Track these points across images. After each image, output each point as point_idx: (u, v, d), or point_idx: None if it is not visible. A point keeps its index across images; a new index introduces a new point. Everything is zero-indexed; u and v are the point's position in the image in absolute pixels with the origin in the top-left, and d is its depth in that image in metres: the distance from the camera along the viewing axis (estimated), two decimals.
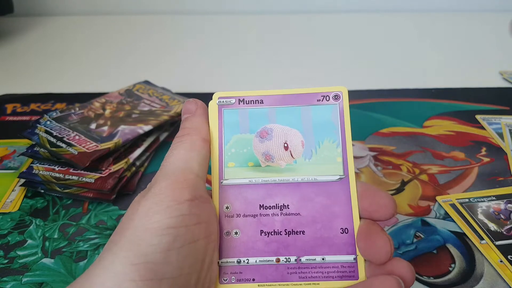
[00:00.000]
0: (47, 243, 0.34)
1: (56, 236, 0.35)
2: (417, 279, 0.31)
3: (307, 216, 0.25)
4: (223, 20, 0.79)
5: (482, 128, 0.46)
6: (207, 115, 0.27)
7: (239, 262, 0.25)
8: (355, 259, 0.24)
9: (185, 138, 0.25)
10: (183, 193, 0.22)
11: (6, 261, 0.33)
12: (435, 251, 0.33)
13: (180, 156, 0.24)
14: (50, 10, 0.83)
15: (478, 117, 0.48)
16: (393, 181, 0.39)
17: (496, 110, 0.50)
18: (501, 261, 0.31)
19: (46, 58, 0.65)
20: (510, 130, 0.45)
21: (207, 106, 0.27)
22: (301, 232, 0.25)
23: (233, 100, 0.27)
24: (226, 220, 0.25)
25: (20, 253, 0.33)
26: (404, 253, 0.32)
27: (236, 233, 0.25)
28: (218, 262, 0.25)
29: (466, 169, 0.41)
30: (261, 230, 0.25)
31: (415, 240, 0.34)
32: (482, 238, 0.33)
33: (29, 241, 0.34)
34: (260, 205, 0.25)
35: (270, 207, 0.25)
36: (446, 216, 0.35)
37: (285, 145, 0.26)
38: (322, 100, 0.26)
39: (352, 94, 0.53)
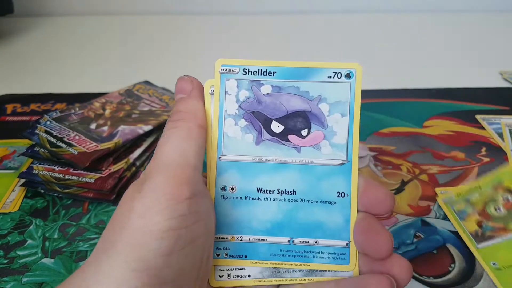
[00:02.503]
0: (47, 243, 0.34)
1: (56, 236, 0.35)
2: (417, 279, 0.31)
3: (304, 199, 0.25)
4: (223, 20, 0.79)
5: (482, 128, 0.46)
6: (203, 97, 0.25)
7: (232, 238, 0.25)
8: (348, 244, 0.24)
9: (180, 124, 0.23)
10: (182, 190, 0.21)
11: (6, 261, 0.33)
12: (435, 251, 0.33)
13: (175, 146, 0.22)
14: (50, 10, 0.83)
15: (478, 117, 0.48)
16: (393, 181, 0.39)
17: (496, 110, 0.50)
18: (493, 264, 0.31)
19: (46, 58, 0.65)
20: (510, 130, 0.45)
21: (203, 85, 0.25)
22: (296, 214, 0.25)
23: (237, 69, 0.25)
24: (222, 198, 0.25)
25: (20, 253, 0.33)
26: (404, 253, 0.32)
27: (231, 210, 0.25)
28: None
29: (466, 169, 0.41)
30: (257, 210, 0.25)
31: (415, 240, 0.34)
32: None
33: (29, 241, 0.34)
34: (258, 187, 0.25)
35: (268, 189, 0.25)
36: (446, 216, 0.35)
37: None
38: (333, 77, 0.25)
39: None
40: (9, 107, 0.52)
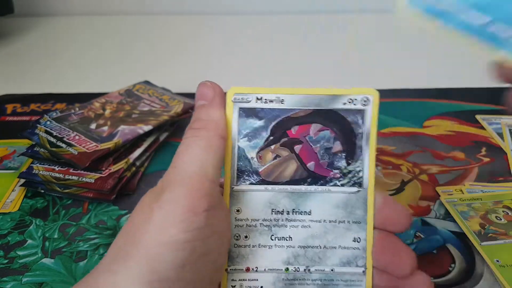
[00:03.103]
0: (47, 243, 0.34)
1: (56, 236, 0.35)
2: None
3: (319, 227, 0.24)
4: (223, 20, 0.79)
5: (482, 128, 0.46)
6: (225, 105, 0.24)
7: (247, 269, 0.24)
8: (364, 272, 0.24)
9: (201, 133, 0.23)
10: (200, 203, 0.20)
11: (6, 261, 0.33)
12: (435, 251, 0.33)
13: (195, 157, 0.22)
14: (50, 10, 0.83)
15: (478, 117, 0.48)
16: (393, 181, 0.39)
17: (496, 110, 0.50)
18: (497, 261, 0.31)
19: (46, 58, 0.65)
20: (510, 130, 0.45)
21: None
22: (312, 243, 0.24)
23: (250, 98, 0.24)
24: (236, 224, 0.24)
25: (20, 253, 0.33)
26: None
27: (246, 237, 0.24)
28: (227, 269, 0.24)
29: (466, 169, 0.41)
30: (271, 238, 0.24)
31: (415, 240, 0.34)
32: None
33: (29, 241, 0.34)
34: (272, 212, 0.24)
35: (282, 216, 0.24)
36: (446, 216, 0.35)
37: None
38: (349, 104, 0.24)
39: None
40: (9, 107, 0.52)
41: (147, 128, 0.42)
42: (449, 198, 0.36)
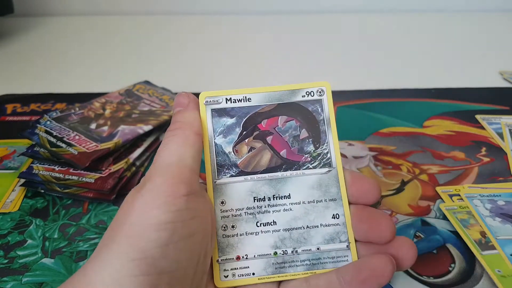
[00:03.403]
0: (47, 243, 0.34)
1: (56, 236, 0.35)
2: (417, 279, 0.31)
3: (300, 208, 0.26)
4: (223, 20, 0.79)
5: (482, 128, 0.46)
6: (199, 109, 0.27)
7: (238, 258, 0.25)
8: (348, 246, 0.26)
9: (177, 132, 0.25)
10: (179, 188, 0.22)
11: (6, 261, 0.33)
12: (435, 251, 0.33)
13: (173, 151, 0.24)
14: (50, 10, 0.83)
15: (478, 117, 0.48)
16: (393, 181, 0.39)
17: (496, 110, 0.50)
18: (498, 271, 0.31)
19: (46, 58, 0.65)
20: (510, 130, 0.45)
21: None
22: (295, 224, 0.26)
23: (221, 99, 0.27)
24: (222, 215, 0.26)
25: (20, 253, 0.33)
26: None
27: (233, 226, 0.26)
28: (218, 260, 0.25)
29: (466, 169, 0.41)
30: (257, 225, 0.26)
31: (415, 240, 0.34)
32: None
33: (29, 241, 0.34)
34: (255, 200, 0.26)
35: (264, 203, 0.26)
36: (447, 217, 0.35)
37: None
38: (307, 96, 0.27)
39: (353, 94, 0.53)
40: (9, 107, 0.52)
41: (147, 128, 0.42)
42: (449, 206, 0.36)
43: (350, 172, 0.27)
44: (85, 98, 0.49)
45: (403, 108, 0.50)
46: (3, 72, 0.61)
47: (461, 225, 0.34)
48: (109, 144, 0.39)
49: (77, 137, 0.40)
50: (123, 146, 0.40)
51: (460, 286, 0.30)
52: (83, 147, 0.38)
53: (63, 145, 0.39)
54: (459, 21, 0.77)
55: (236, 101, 0.27)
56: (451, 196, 0.37)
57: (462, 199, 0.37)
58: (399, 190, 0.38)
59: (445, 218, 0.35)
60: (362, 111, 0.50)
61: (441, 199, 0.37)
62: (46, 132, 0.40)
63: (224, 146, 0.27)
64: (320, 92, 0.27)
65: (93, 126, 0.42)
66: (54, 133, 0.40)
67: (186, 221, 0.22)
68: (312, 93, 0.27)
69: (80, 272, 0.20)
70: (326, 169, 0.27)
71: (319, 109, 0.27)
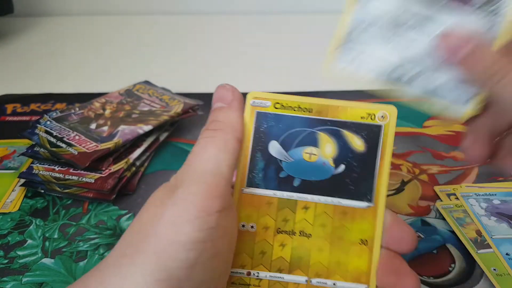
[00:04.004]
0: (47, 243, 0.34)
1: (56, 236, 0.35)
2: None
3: (326, 239, 0.24)
4: (223, 20, 0.79)
5: None
6: (243, 109, 0.24)
7: (249, 274, 0.24)
8: (369, 285, 0.23)
9: (218, 134, 0.22)
10: (214, 203, 0.20)
11: (6, 261, 0.33)
12: (435, 251, 0.33)
13: (211, 156, 0.22)
14: (50, 10, 0.83)
15: None
16: (393, 181, 0.39)
17: None
18: (494, 270, 0.31)
19: (46, 58, 0.65)
20: None
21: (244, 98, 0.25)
22: (316, 254, 0.24)
23: (269, 103, 0.24)
24: (241, 229, 0.24)
25: (20, 253, 0.33)
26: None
27: (250, 241, 0.24)
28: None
29: (466, 169, 0.41)
30: (276, 246, 0.24)
31: None
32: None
33: (29, 241, 0.34)
34: (278, 221, 0.24)
35: (289, 224, 0.24)
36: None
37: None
38: (366, 118, 0.25)
39: (353, 95, 0.53)
40: (9, 107, 0.52)
41: (147, 128, 0.42)
42: (445, 205, 0.36)
43: (390, 214, 0.24)
44: (85, 98, 0.49)
45: (403, 108, 0.50)
46: (3, 72, 0.61)
47: (457, 224, 0.34)
48: (109, 144, 0.39)
49: (77, 137, 0.40)
50: (123, 146, 0.40)
51: (460, 286, 0.30)
52: (83, 147, 0.38)
53: (63, 145, 0.39)
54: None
55: (288, 108, 0.24)
56: (449, 195, 0.37)
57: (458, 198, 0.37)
58: (399, 190, 0.38)
59: (445, 218, 0.35)
60: None
61: (441, 199, 0.37)
62: (46, 132, 0.40)
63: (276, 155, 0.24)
64: (382, 117, 0.25)
65: (93, 126, 0.42)
66: (54, 133, 0.40)
67: (215, 240, 0.20)
68: (373, 116, 0.25)
69: (95, 276, 0.19)
70: (366, 204, 0.24)
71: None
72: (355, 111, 0.24)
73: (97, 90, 0.54)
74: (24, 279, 0.31)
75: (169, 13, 0.83)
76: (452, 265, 0.32)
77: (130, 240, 0.20)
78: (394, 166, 0.41)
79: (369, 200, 0.24)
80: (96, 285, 0.19)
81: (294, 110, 0.24)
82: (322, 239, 0.24)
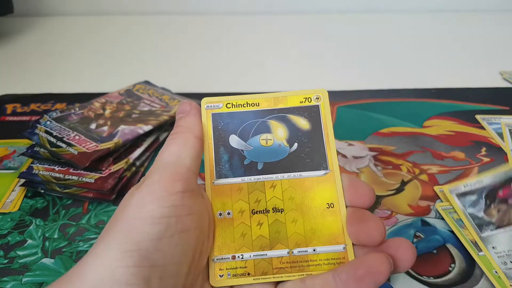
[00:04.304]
0: (47, 243, 0.34)
1: (56, 236, 0.35)
2: (417, 279, 0.31)
3: (297, 210, 0.26)
4: (223, 20, 0.79)
5: (482, 128, 0.46)
6: (200, 115, 0.28)
7: (234, 257, 0.26)
8: (345, 248, 0.25)
9: (178, 135, 0.26)
10: (175, 185, 0.23)
11: (6, 261, 0.33)
12: (435, 251, 0.33)
13: (172, 152, 0.25)
14: (50, 10, 0.83)
15: (478, 117, 0.48)
16: (393, 181, 0.39)
17: (496, 110, 0.50)
18: (495, 272, 0.31)
19: (46, 58, 0.65)
20: (510, 130, 0.45)
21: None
22: (291, 226, 0.26)
23: (221, 105, 0.28)
24: (219, 217, 0.26)
25: (20, 253, 0.33)
26: None
27: (229, 227, 0.26)
28: (213, 259, 0.25)
29: (466, 169, 0.41)
30: (253, 226, 0.26)
31: (415, 240, 0.34)
32: (480, 250, 0.32)
33: (29, 241, 0.34)
34: (251, 203, 0.26)
35: (261, 204, 0.26)
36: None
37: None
38: (304, 102, 0.28)
39: (352, 94, 0.53)
40: (9, 107, 0.52)
41: (147, 128, 0.42)
42: (445, 206, 0.36)
43: (347, 176, 0.27)
44: (85, 98, 0.49)
45: (403, 108, 0.50)
46: (3, 72, 0.61)
47: (457, 225, 0.34)
48: (109, 144, 0.39)
49: (77, 137, 0.40)
50: (123, 146, 0.40)
51: (460, 286, 0.30)
52: (83, 147, 0.38)
53: (63, 145, 0.39)
54: (459, 21, 0.77)
55: (238, 106, 0.28)
56: None
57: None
58: (399, 190, 0.38)
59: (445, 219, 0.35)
60: (362, 111, 0.50)
61: (441, 199, 0.37)
62: (46, 132, 0.40)
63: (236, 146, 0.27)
64: (317, 98, 0.28)
65: (93, 126, 0.42)
66: (54, 133, 0.40)
67: (180, 216, 0.22)
68: (309, 99, 0.28)
69: (77, 264, 0.21)
70: (323, 172, 0.27)
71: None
72: (294, 98, 0.28)
73: (97, 90, 0.54)
74: (24, 279, 0.31)
75: (169, 13, 0.83)
76: (452, 265, 0.32)
77: (104, 230, 0.22)
78: (394, 166, 0.41)
79: (325, 168, 0.27)
80: (75, 269, 0.21)
81: (244, 107, 0.28)
82: (293, 211, 0.26)
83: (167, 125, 0.46)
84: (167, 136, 0.45)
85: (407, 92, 0.53)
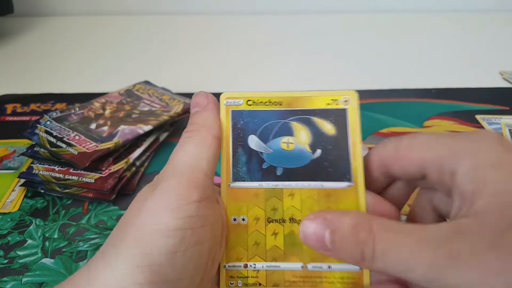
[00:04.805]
0: (47, 243, 0.34)
1: (56, 236, 0.35)
2: None
3: None
4: (223, 20, 0.79)
5: (482, 128, 0.46)
6: (218, 111, 0.26)
7: (246, 266, 0.24)
8: (361, 268, 0.24)
9: (195, 134, 0.24)
10: (192, 193, 0.21)
11: (6, 261, 0.33)
12: None
13: (189, 153, 0.23)
14: (50, 10, 0.83)
15: (478, 117, 0.48)
16: None
17: (496, 110, 0.50)
18: None
19: (46, 58, 0.65)
20: (510, 130, 0.45)
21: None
22: None
23: (241, 102, 0.26)
24: (233, 222, 0.25)
25: (20, 253, 0.33)
26: None
27: (243, 234, 0.25)
28: (225, 266, 0.24)
29: None
30: (268, 236, 0.25)
31: None
32: None
33: (29, 241, 0.34)
34: (267, 211, 0.25)
35: (278, 213, 0.25)
36: None
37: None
38: (331, 104, 0.26)
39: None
40: (9, 107, 0.52)
41: (147, 128, 0.42)
42: None
43: (372, 195, 0.25)
44: (85, 98, 0.49)
45: (403, 108, 0.50)
46: (3, 72, 0.61)
47: None
48: (109, 144, 0.39)
49: (77, 137, 0.40)
50: (123, 146, 0.40)
51: None
52: (83, 147, 0.38)
53: (63, 145, 0.39)
54: (459, 21, 0.77)
55: (260, 103, 0.26)
56: None
57: None
58: None
59: None
60: (362, 111, 0.49)
61: None
62: (46, 132, 0.40)
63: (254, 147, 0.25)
64: (345, 101, 0.26)
65: (93, 126, 0.42)
66: (54, 133, 0.40)
67: (195, 228, 0.21)
68: (337, 101, 0.26)
69: (85, 269, 0.20)
70: (346, 184, 0.24)
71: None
72: (321, 99, 0.26)
73: (97, 90, 0.54)
74: (24, 279, 0.31)
75: (169, 13, 0.83)
76: None
77: (115, 233, 0.21)
78: None
79: (349, 180, 0.24)
80: (83, 275, 0.20)
81: (266, 105, 0.26)
82: None
83: (167, 125, 0.46)
84: (167, 136, 0.45)
85: (407, 92, 0.53)
